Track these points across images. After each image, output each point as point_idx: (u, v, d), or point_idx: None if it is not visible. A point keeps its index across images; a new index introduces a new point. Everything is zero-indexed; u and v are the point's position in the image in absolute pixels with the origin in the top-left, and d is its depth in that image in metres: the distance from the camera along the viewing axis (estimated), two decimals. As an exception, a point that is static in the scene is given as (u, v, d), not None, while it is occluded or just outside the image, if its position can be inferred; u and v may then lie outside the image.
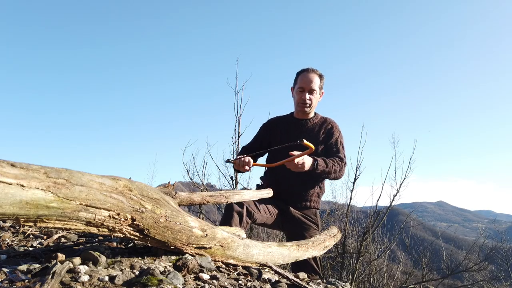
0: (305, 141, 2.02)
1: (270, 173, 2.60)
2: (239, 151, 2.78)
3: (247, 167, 2.32)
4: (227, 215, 2.10)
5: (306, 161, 2.23)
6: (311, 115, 2.59)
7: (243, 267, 1.43)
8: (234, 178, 6.14)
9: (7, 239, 1.57)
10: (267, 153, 2.64)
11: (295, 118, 2.61)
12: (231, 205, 2.11)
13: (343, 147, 2.55)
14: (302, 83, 2.49)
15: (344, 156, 2.51)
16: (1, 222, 1.84)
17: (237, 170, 2.57)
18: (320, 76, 2.52)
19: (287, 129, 2.57)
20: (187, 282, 1.10)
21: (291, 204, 2.48)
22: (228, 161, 2.49)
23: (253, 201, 2.22)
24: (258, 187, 2.63)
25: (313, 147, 2.08)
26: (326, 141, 2.52)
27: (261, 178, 2.68)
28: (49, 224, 0.87)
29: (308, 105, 2.49)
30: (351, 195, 6.78)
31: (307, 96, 2.46)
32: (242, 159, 2.32)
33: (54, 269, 0.95)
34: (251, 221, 2.19)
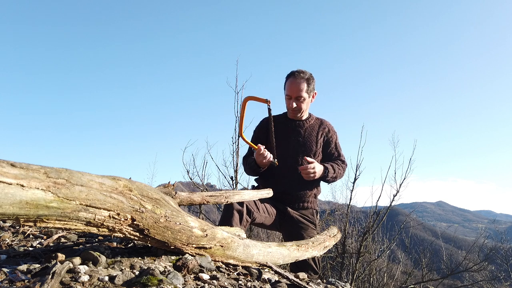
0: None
1: (266, 174, 2.56)
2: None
3: (270, 158, 2.33)
4: (227, 213, 2.10)
5: (317, 169, 2.36)
6: (305, 116, 2.59)
7: (243, 267, 1.43)
8: (234, 178, 6.13)
9: (7, 239, 1.57)
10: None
11: (290, 119, 2.59)
12: (231, 203, 2.10)
13: (341, 149, 2.65)
14: (289, 91, 2.46)
15: (344, 158, 2.64)
16: (1, 222, 1.84)
17: (258, 166, 2.44)
18: (308, 80, 2.44)
19: (283, 130, 2.54)
20: (187, 282, 1.10)
21: (289, 205, 2.48)
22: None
23: (252, 201, 2.22)
24: (254, 188, 2.60)
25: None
26: (325, 144, 2.58)
27: (256, 179, 2.66)
28: (49, 224, 0.87)
29: (296, 111, 2.51)
30: (351, 195, 6.79)
31: (294, 104, 2.45)
32: (263, 148, 2.32)
33: (54, 269, 0.95)
34: (251, 219, 2.19)
